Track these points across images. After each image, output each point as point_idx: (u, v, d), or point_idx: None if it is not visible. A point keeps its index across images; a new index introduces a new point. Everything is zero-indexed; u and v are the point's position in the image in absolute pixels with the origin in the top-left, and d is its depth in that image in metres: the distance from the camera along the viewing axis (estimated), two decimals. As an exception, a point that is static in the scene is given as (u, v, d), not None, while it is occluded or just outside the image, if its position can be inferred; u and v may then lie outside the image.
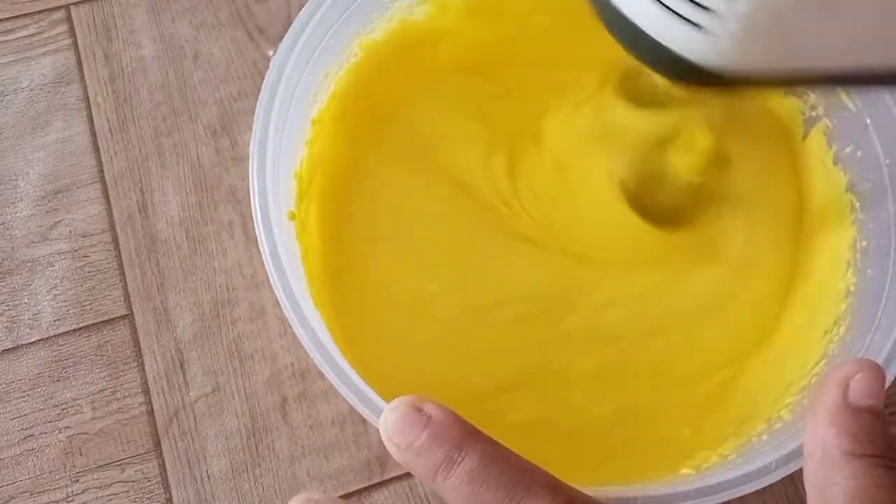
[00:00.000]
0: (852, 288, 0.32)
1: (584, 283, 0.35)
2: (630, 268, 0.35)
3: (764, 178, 0.36)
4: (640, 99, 0.35)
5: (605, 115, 0.35)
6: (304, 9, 0.33)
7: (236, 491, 0.34)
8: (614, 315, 0.34)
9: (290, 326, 0.29)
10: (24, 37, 0.41)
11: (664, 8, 0.21)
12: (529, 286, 0.34)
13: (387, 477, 0.34)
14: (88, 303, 0.36)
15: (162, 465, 0.34)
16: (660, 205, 0.35)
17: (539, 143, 0.36)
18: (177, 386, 0.35)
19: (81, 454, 0.34)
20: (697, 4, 0.21)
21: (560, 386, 0.33)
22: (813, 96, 0.35)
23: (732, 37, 0.21)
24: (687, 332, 0.34)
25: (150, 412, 0.35)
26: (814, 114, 0.35)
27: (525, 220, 0.35)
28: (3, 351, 0.35)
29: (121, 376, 0.35)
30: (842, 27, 0.22)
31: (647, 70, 0.30)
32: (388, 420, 0.24)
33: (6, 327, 0.36)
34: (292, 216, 0.32)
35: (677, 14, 0.21)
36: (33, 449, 0.34)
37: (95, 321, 0.36)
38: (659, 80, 0.32)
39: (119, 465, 0.34)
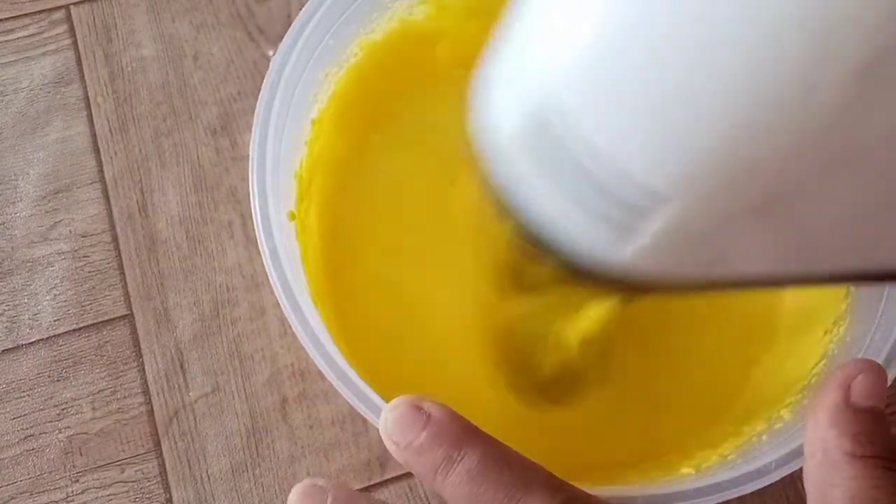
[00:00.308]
0: (852, 288, 0.32)
1: None
2: None
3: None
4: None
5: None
6: (304, 9, 0.33)
7: (236, 491, 0.34)
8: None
9: (290, 326, 0.29)
10: (24, 37, 0.41)
11: (575, 203, 0.17)
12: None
13: (387, 477, 0.34)
14: (88, 303, 0.36)
15: (162, 465, 0.34)
16: None
17: None
18: (177, 386, 0.35)
19: (81, 454, 0.34)
20: (616, 205, 0.17)
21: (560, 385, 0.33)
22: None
23: (652, 241, 0.17)
24: (687, 333, 0.34)
25: (150, 412, 0.35)
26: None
27: None
28: (3, 351, 0.35)
29: (121, 376, 0.35)
30: (782, 236, 0.18)
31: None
32: (388, 419, 0.24)
33: (6, 327, 0.36)
34: (292, 216, 0.32)
35: (589, 212, 0.17)
36: (33, 449, 0.34)
37: (95, 321, 0.36)
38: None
39: (119, 465, 0.34)
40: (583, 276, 0.19)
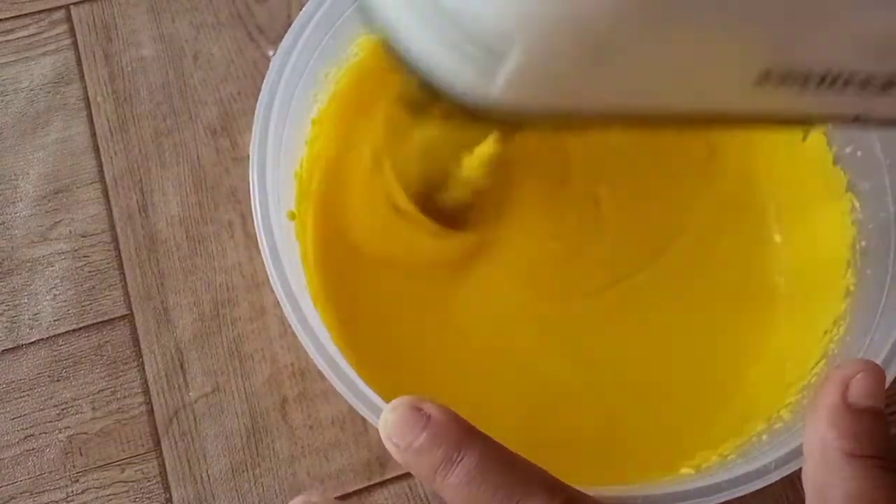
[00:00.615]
0: (852, 288, 0.32)
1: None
2: None
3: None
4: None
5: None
6: (304, 9, 0.33)
7: (236, 491, 0.34)
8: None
9: (290, 326, 0.29)
10: (24, 37, 0.41)
11: (443, 45, 0.20)
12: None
13: (387, 477, 0.34)
14: (88, 303, 0.36)
15: (162, 465, 0.34)
16: None
17: None
18: (177, 386, 0.35)
19: (81, 454, 0.34)
20: (475, 47, 0.19)
21: (559, 385, 0.33)
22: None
23: (508, 79, 0.20)
24: (687, 333, 0.34)
25: (150, 412, 0.35)
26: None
27: None
28: (3, 351, 0.35)
29: (121, 376, 0.35)
30: (618, 77, 0.21)
31: None
32: (388, 420, 0.24)
33: (6, 327, 0.36)
34: (292, 216, 0.32)
35: (448, 49, 0.20)
36: (33, 449, 0.34)
37: (95, 321, 0.36)
38: None
39: (119, 465, 0.34)
40: (465, 112, 0.21)
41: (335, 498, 0.28)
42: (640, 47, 0.19)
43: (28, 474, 0.34)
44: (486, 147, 0.30)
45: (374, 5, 0.21)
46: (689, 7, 0.19)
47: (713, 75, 0.21)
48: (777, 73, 0.20)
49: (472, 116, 0.21)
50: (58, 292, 0.36)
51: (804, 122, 0.25)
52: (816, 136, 0.35)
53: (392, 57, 0.21)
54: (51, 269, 0.37)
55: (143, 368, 0.35)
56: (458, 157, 0.32)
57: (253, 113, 0.31)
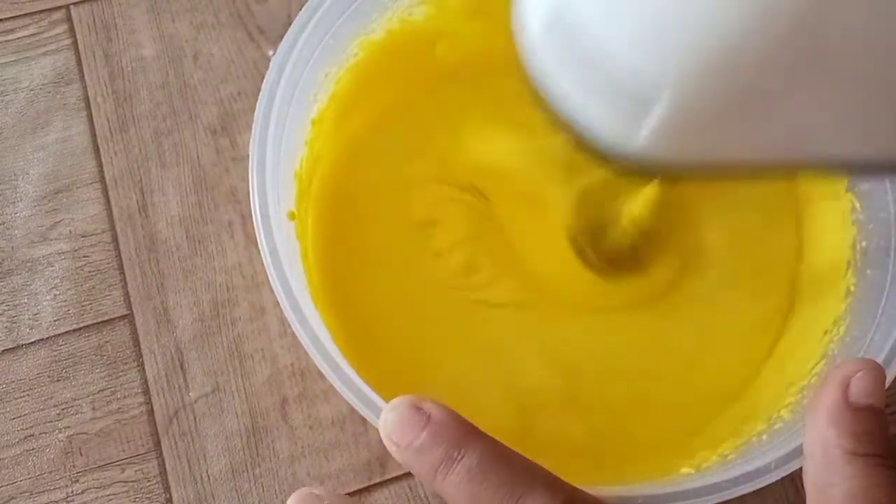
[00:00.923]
0: (852, 288, 0.32)
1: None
2: None
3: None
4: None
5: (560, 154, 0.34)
6: (304, 9, 0.33)
7: (236, 491, 0.34)
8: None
9: (290, 326, 0.29)
10: (24, 37, 0.41)
11: (589, 92, 0.20)
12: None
13: (387, 477, 0.34)
14: (88, 303, 0.36)
15: (162, 465, 0.34)
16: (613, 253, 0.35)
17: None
18: (177, 386, 0.35)
19: (81, 454, 0.34)
20: (625, 95, 0.20)
21: (559, 384, 0.33)
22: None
23: (657, 128, 0.20)
24: (687, 333, 0.34)
25: (150, 412, 0.35)
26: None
27: None
28: (3, 351, 0.35)
29: (121, 376, 0.35)
30: (764, 127, 0.21)
31: None
32: (388, 419, 0.24)
33: (6, 327, 0.36)
34: (292, 216, 0.32)
35: (602, 102, 0.20)
36: (33, 449, 0.34)
37: (95, 321, 0.36)
38: None
39: (119, 465, 0.34)
40: (609, 162, 0.22)
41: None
42: (787, 96, 0.19)
43: (28, 474, 0.34)
44: (651, 190, 0.31)
45: (528, 57, 0.21)
46: (835, 55, 0.18)
47: (866, 119, 0.21)
48: None
49: (618, 168, 0.22)
50: (58, 292, 0.36)
51: None
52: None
53: (541, 107, 0.22)
54: (51, 269, 0.37)
55: (143, 368, 0.35)
56: (619, 202, 0.33)
57: (253, 113, 0.31)
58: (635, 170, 0.22)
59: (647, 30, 0.19)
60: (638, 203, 0.32)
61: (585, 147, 0.22)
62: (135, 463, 0.34)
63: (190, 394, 0.35)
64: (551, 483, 0.23)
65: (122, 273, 0.37)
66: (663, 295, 0.35)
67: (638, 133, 0.20)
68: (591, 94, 0.20)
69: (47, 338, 0.36)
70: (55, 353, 0.35)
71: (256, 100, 0.31)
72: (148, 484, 0.34)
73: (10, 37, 0.41)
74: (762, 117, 0.20)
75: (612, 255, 0.34)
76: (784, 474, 0.26)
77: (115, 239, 0.37)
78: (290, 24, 0.32)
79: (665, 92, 0.19)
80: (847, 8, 0.18)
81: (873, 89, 0.20)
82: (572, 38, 0.20)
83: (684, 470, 0.29)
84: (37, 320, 0.36)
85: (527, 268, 0.35)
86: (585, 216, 0.34)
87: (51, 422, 0.34)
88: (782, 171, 0.24)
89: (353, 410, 0.30)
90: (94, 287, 0.37)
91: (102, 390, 0.35)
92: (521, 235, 0.35)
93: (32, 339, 0.36)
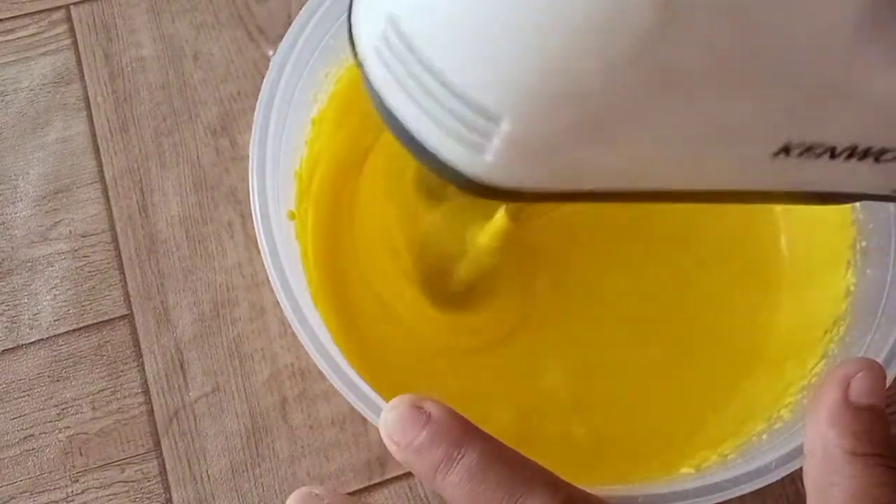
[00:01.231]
0: (852, 288, 0.32)
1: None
2: None
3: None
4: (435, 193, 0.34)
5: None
6: (304, 9, 0.33)
7: (236, 491, 0.34)
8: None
9: (290, 326, 0.29)
10: (24, 37, 0.41)
11: (433, 119, 0.19)
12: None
13: (387, 477, 0.34)
14: (88, 303, 0.36)
15: (162, 465, 0.34)
16: None
17: None
18: (177, 386, 0.35)
19: (81, 454, 0.34)
20: (462, 121, 0.18)
21: (559, 384, 0.33)
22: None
23: (502, 156, 0.19)
24: (687, 333, 0.34)
25: (150, 412, 0.35)
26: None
27: None
28: (3, 351, 0.35)
29: (121, 376, 0.35)
30: (624, 158, 0.20)
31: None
32: (388, 419, 0.24)
33: (6, 327, 0.36)
34: (292, 216, 0.32)
35: (447, 129, 0.19)
36: (33, 449, 0.34)
37: (95, 321, 0.36)
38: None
39: (119, 465, 0.34)
40: (459, 187, 0.21)
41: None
42: (637, 125, 0.18)
43: (28, 474, 0.34)
44: (498, 222, 0.30)
45: (364, 70, 0.20)
46: (690, 82, 0.17)
47: (721, 151, 0.20)
48: (797, 145, 0.19)
49: (468, 191, 0.21)
50: (58, 292, 0.36)
51: (830, 198, 0.23)
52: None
53: (388, 125, 0.21)
54: (51, 269, 0.37)
55: (143, 368, 0.35)
56: (467, 237, 0.32)
57: (253, 113, 0.31)
58: (484, 193, 0.20)
59: (480, 57, 0.17)
60: (483, 234, 0.31)
61: (439, 174, 0.20)
62: (135, 463, 0.34)
63: (190, 394, 0.35)
64: (551, 483, 0.23)
65: (122, 273, 0.37)
66: (657, 296, 0.35)
67: (478, 157, 0.19)
68: (426, 116, 0.19)
69: (47, 338, 0.36)
70: (55, 353, 0.35)
71: (256, 100, 0.31)
72: (148, 484, 0.34)
73: (10, 37, 0.41)
74: (612, 146, 0.19)
75: (458, 287, 0.34)
76: (784, 474, 0.26)
77: (115, 239, 0.37)
78: (290, 24, 0.32)
79: (499, 120, 0.18)
80: (693, 35, 0.16)
81: (737, 109, 0.18)
82: (403, 60, 0.18)
83: (684, 470, 0.29)
84: (37, 320, 0.36)
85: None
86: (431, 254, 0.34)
87: (51, 422, 0.34)
88: (643, 196, 0.22)
89: (353, 410, 0.30)
90: (94, 287, 0.37)
91: (102, 390, 0.35)
92: None
93: (32, 339, 0.36)
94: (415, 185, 0.34)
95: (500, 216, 0.30)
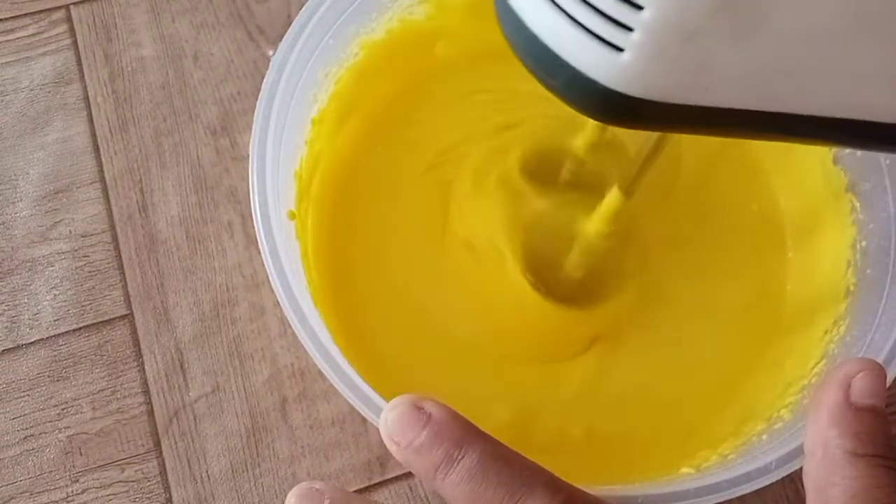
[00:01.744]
0: (852, 288, 0.32)
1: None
2: None
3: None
4: (545, 184, 0.34)
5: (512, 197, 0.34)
6: (304, 9, 0.33)
7: (236, 491, 0.34)
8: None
9: (290, 326, 0.29)
10: (24, 37, 0.41)
11: (571, 22, 0.19)
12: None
13: (387, 477, 0.34)
14: (88, 303, 0.36)
15: (162, 465, 0.34)
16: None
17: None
18: (177, 386, 0.35)
19: (81, 454, 0.34)
20: (604, 16, 0.19)
21: (559, 384, 0.33)
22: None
23: (641, 53, 0.19)
24: (687, 333, 0.34)
25: (150, 412, 0.35)
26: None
27: None
28: (3, 351, 0.35)
29: (121, 376, 0.35)
30: (759, 60, 0.19)
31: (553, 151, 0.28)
32: (388, 418, 0.24)
33: (6, 327, 0.36)
34: (292, 216, 0.32)
35: (584, 27, 0.19)
36: (33, 449, 0.34)
37: (95, 321, 0.36)
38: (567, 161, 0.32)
39: (119, 465, 0.34)
40: (583, 103, 0.21)
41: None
42: (782, 10, 0.18)
43: (28, 474, 0.34)
44: (612, 200, 0.30)
45: None
46: None
47: (864, 52, 0.19)
48: None
49: (597, 112, 0.21)
50: (58, 292, 0.36)
51: None
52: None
53: (521, 48, 0.21)
54: (51, 269, 0.37)
55: (143, 368, 0.35)
56: (578, 222, 0.32)
57: (253, 113, 0.31)
58: (613, 111, 0.21)
59: None
60: (596, 216, 0.31)
61: (568, 93, 0.21)
62: (135, 463, 0.34)
63: (190, 394, 0.35)
64: (551, 483, 0.23)
65: (122, 273, 0.37)
66: (658, 297, 0.35)
67: (617, 58, 0.19)
68: (569, 23, 0.19)
69: (47, 338, 0.36)
70: (55, 353, 0.35)
71: (256, 100, 0.31)
72: (148, 484, 0.34)
73: (10, 37, 0.41)
74: (743, 39, 0.19)
75: (569, 281, 0.34)
76: (784, 474, 0.26)
77: (115, 239, 0.37)
78: (290, 24, 0.32)
79: (640, 11, 0.18)
80: None
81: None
82: None
83: (684, 470, 0.29)
84: (37, 320, 0.36)
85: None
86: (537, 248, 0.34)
87: (51, 422, 0.34)
88: (768, 129, 0.22)
89: (353, 410, 0.30)
90: (94, 287, 0.37)
91: (102, 390, 0.35)
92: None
93: (32, 339, 0.36)
94: (522, 175, 0.34)
95: (614, 194, 0.30)
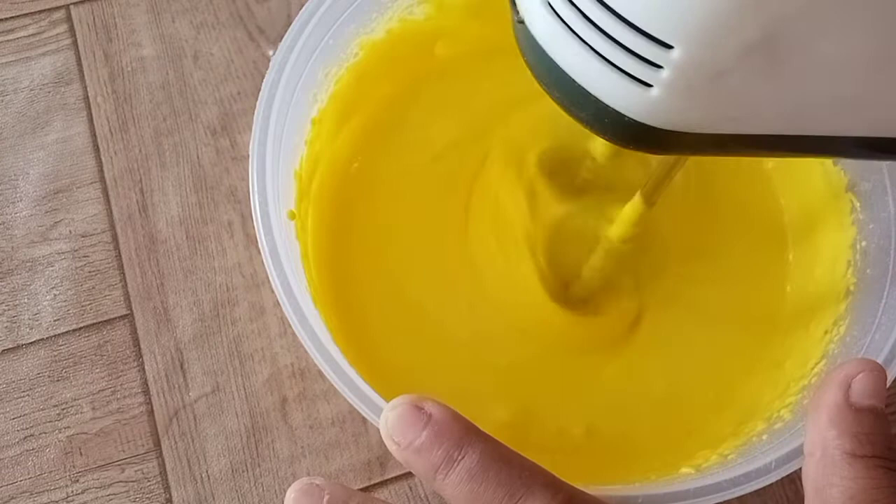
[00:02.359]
0: (852, 288, 0.32)
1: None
2: None
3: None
4: (564, 185, 0.35)
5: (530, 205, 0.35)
6: (304, 9, 0.33)
7: (236, 491, 0.34)
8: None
9: (290, 326, 0.29)
10: (24, 37, 0.41)
11: (600, 59, 0.20)
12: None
13: (387, 477, 0.34)
14: (88, 303, 0.36)
15: (162, 465, 0.34)
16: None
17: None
18: (177, 386, 0.35)
19: (81, 454, 0.34)
20: (633, 54, 0.19)
21: (559, 384, 0.33)
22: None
23: (670, 89, 0.19)
24: (687, 333, 0.34)
25: (150, 412, 0.35)
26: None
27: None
28: (3, 351, 0.35)
29: (121, 376, 0.35)
30: (790, 91, 0.20)
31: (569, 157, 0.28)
32: (389, 418, 0.24)
33: (6, 327, 0.36)
34: (292, 216, 0.32)
35: (613, 65, 0.20)
36: (33, 449, 0.34)
37: (95, 321, 0.36)
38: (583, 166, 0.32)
39: (119, 465, 0.34)
40: (610, 133, 0.21)
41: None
42: (815, 44, 0.18)
43: (28, 474, 0.34)
44: (632, 208, 0.31)
45: (528, 30, 0.21)
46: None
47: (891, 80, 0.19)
48: None
49: (625, 141, 0.21)
50: (58, 292, 0.36)
51: None
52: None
53: (548, 81, 0.21)
54: (51, 269, 0.37)
55: (143, 368, 0.35)
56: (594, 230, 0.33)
57: (253, 113, 0.31)
58: (641, 141, 0.21)
59: None
60: (619, 221, 0.32)
61: (596, 124, 0.21)
62: (135, 463, 0.34)
63: (190, 394, 0.35)
64: (551, 483, 0.23)
65: (122, 273, 0.37)
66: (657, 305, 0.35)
67: (646, 94, 0.20)
68: (598, 60, 0.20)
69: (47, 338, 0.36)
70: (55, 353, 0.35)
71: (256, 100, 0.31)
72: (148, 484, 0.34)
73: (10, 37, 0.41)
74: (777, 75, 0.19)
75: (583, 287, 0.34)
76: (784, 474, 0.26)
77: (115, 239, 0.37)
78: (290, 24, 0.32)
79: (671, 50, 0.18)
80: None
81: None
82: (579, 3, 0.19)
83: (684, 470, 0.29)
84: (37, 320, 0.36)
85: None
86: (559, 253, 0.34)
87: (51, 422, 0.34)
88: (793, 149, 0.22)
89: (353, 410, 0.30)
90: (94, 287, 0.37)
91: (102, 390, 0.35)
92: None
93: (32, 339, 0.36)
94: (544, 178, 0.35)
95: (636, 201, 0.30)
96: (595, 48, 0.20)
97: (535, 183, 0.35)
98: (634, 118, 0.20)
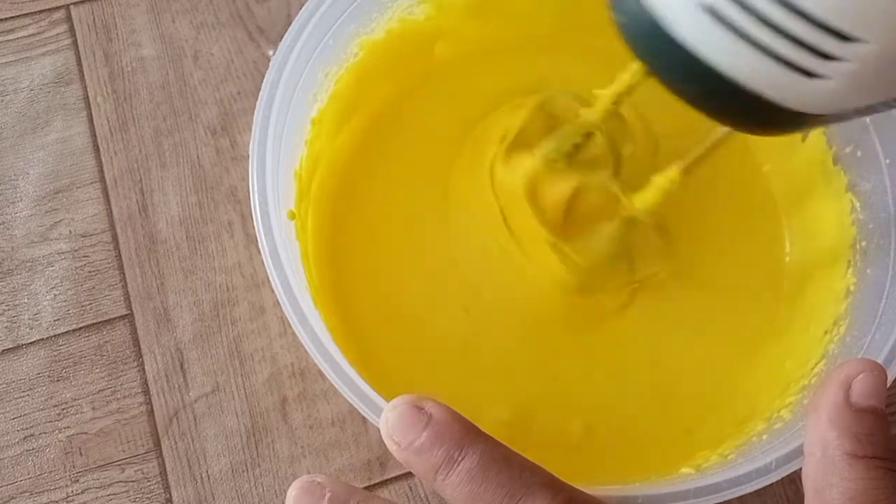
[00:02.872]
0: (852, 288, 0.32)
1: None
2: None
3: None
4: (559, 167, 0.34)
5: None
6: (304, 9, 0.33)
7: (236, 491, 0.34)
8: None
9: (290, 326, 0.29)
10: (24, 37, 0.41)
11: (769, 56, 0.20)
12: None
13: (387, 477, 0.34)
14: (88, 303, 0.36)
15: (162, 465, 0.34)
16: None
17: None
18: (177, 386, 0.35)
19: (81, 454, 0.34)
20: (814, 51, 0.19)
21: (559, 384, 0.33)
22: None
23: (852, 79, 0.19)
24: (688, 333, 0.34)
25: (150, 412, 0.35)
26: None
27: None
28: (3, 351, 0.35)
29: (121, 376, 0.35)
30: None
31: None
32: (389, 419, 0.24)
33: (6, 327, 0.36)
34: (292, 216, 0.32)
35: (786, 62, 0.19)
36: (33, 449, 0.34)
37: (95, 321, 0.36)
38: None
39: (119, 465, 0.34)
40: (752, 124, 0.21)
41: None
42: None
43: (28, 474, 0.34)
44: (667, 179, 0.31)
45: (674, 36, 0.21)
46: None
47: None
48: None
49: (769, 128, 0.21)
50: (58, 292, 0.36)
51: None
52: (816, 136, 0.35)
53: (688, 85, 0.21)
54: (51, 269, 0.37)
55: (143, 368, 0.35)
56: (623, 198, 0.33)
57: (253, 113, 0.31)
58: (790, 128, 0.21)
59: None
60: (652, 191, 0.32)
61: (729, 113, 0.21)
62: (135, 463, 0.34)
63: (190, 394, 0.35)
64: (551, 483, 0.23)
65: (122, 273, 0.37)
66: (656, 295, 0.35)
67: (817, 85, 0.20)
68: (762, 57, 0.19)
69: (47, 338, 0.36)
70: (55, 353, 0.35)
71: (256, 100, 0.31)
72: (148, 484, 0.34)
73: (10, 37, 0.41)
74: None
75: (600, 258, 0.34)
76: (784, 474, 0.26)
77: (115, 239, 0.37)
78: (290, 24, 0.32)
79: (862, 45, 0.18)
80: None
81: None
82: (747, 4, 0.19)
83: (684, 470, 0.29)
84: (37, 320, 0.36)
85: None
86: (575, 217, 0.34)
87: (51, 422, 0.34)
88: None
89: (353, 410, 0.30)
90: (94, 287, 0.37)
91: (102, 390, 0.35)
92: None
93: (32, 339, 0.36)
94: (562, 156, 0.34)
95: (672, 172, 0.30)
96: (767, 47, 0.19)
97: (529, 177, 0.34)
98: (793, 108, 0.20)
